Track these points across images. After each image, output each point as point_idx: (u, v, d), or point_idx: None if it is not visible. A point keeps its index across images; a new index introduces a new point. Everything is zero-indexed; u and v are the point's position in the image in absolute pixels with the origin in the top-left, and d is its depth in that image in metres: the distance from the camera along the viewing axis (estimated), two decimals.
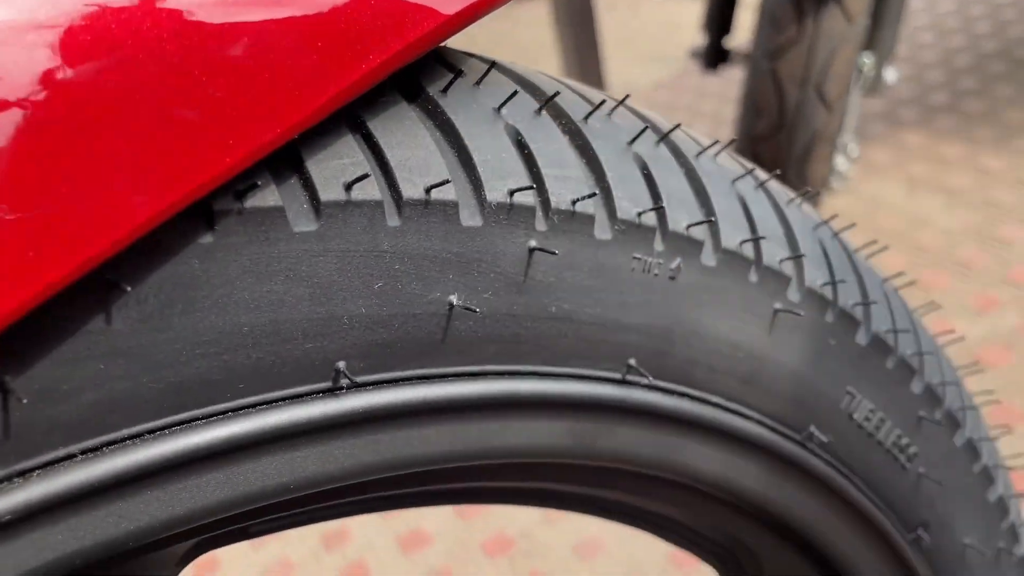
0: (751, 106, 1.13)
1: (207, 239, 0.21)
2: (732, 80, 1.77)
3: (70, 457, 0.20)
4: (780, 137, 1.10)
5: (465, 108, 0.25)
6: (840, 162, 1.27)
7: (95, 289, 0.20)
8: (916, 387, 0.34)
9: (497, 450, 0.27)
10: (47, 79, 0.18)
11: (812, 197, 1.15)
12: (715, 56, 1.34)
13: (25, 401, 0.19)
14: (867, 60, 1.17)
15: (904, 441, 0.33)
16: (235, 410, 0.22)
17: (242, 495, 0.23)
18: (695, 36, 1.40)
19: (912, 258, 1.35)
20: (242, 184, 0.21)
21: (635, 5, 2.99)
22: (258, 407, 0.23)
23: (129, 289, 0.20)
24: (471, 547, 1.01)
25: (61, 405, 0.20)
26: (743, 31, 1.34)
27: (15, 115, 0.17)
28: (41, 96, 0.18)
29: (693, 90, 2.11)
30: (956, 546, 0.36)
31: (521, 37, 2.82)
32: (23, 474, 0.20)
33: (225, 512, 0.23)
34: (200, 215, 0.21)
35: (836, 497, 0.32)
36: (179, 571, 0.28)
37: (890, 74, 1.27)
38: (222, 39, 0.20)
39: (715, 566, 0.41)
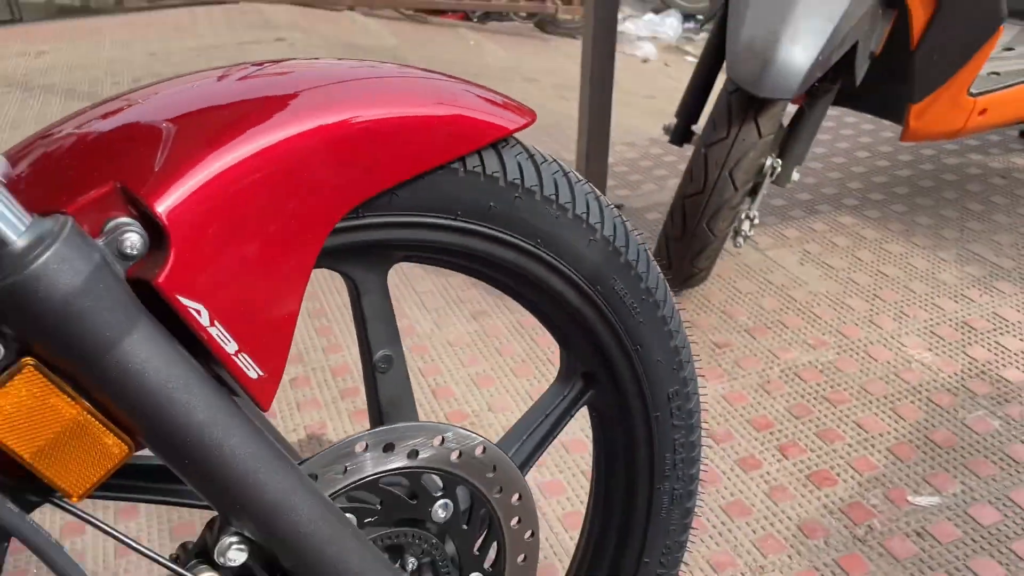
0: (689, 174, 1.68)
1: None
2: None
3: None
4: (700, 198, 1.65)
5: None
6: (746, 226, 1.82)
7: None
8: (645, 283, 0.85)
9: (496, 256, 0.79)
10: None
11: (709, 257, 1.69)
12: (682, 136, 1.89)
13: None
14: (772, 161, 1.71)
15: (633, 303, 0.84)
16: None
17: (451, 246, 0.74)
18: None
19: (783, 304, 1.90)
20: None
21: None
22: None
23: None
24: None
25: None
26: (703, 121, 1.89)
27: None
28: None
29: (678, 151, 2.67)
30: (651, 359, 0.88)
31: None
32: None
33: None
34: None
35: (609, 330, 0.83)
36: (385, 276, 0.79)
37: (795, 174, 1.82)
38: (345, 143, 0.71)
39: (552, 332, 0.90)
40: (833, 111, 2.95)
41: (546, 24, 4.78)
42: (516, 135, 0.71)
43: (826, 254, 2.11)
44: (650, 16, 4.54)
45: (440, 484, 0.74)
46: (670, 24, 4.46)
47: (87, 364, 0.50)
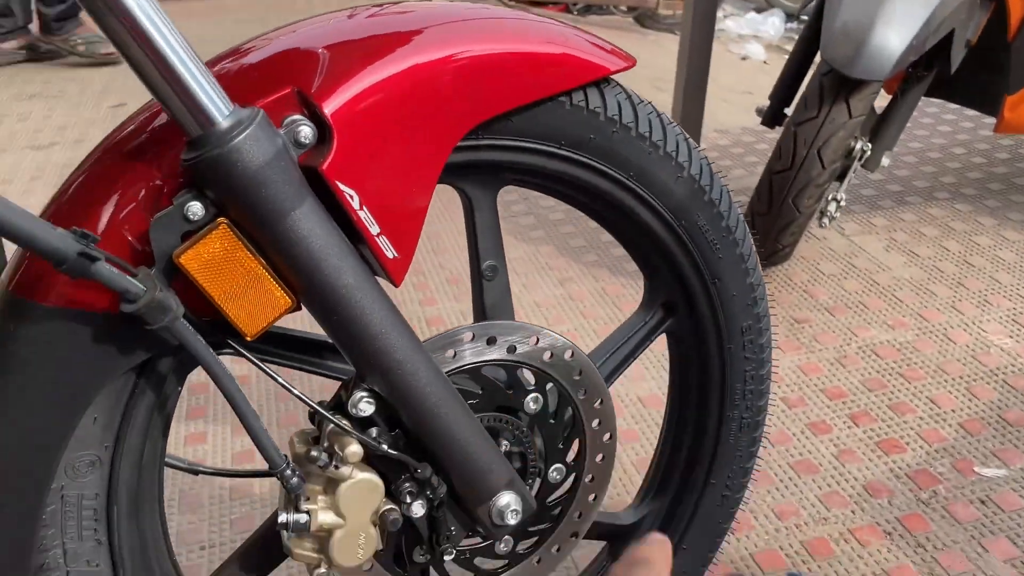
0: (778, 151, 1.75)
1: None
2: None
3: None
4: (788, 175, 1.71)
5: None
6: (832, 207, 1.87)
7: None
8: (726, 221, 0.93)
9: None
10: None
11: (795, 231, 1.75)
12: (773, 118, 1.95)
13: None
14: (862, 144, 1.76)
15: (713, 238, 0.93)
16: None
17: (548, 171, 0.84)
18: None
19: (865, 286, 1.95)
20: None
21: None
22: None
23: None
24: None
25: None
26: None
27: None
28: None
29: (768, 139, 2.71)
30: (728, 293, 0.96)
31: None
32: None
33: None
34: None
35: (691, 262, 0.92)
36: (495, 196, 0.90)
37: (885, 159, 1.86)
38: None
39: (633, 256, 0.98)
40: (931, 108, 2.94)
41: (646, 19, 4.83)
42: (616, 77, 0.82)
43: (913, 243, 2.13)
44: (752, 15, 4.54)
45: (532, 380, 0.85)
46: (772, 23, 4.46)
47: (266, 227, 0.62)
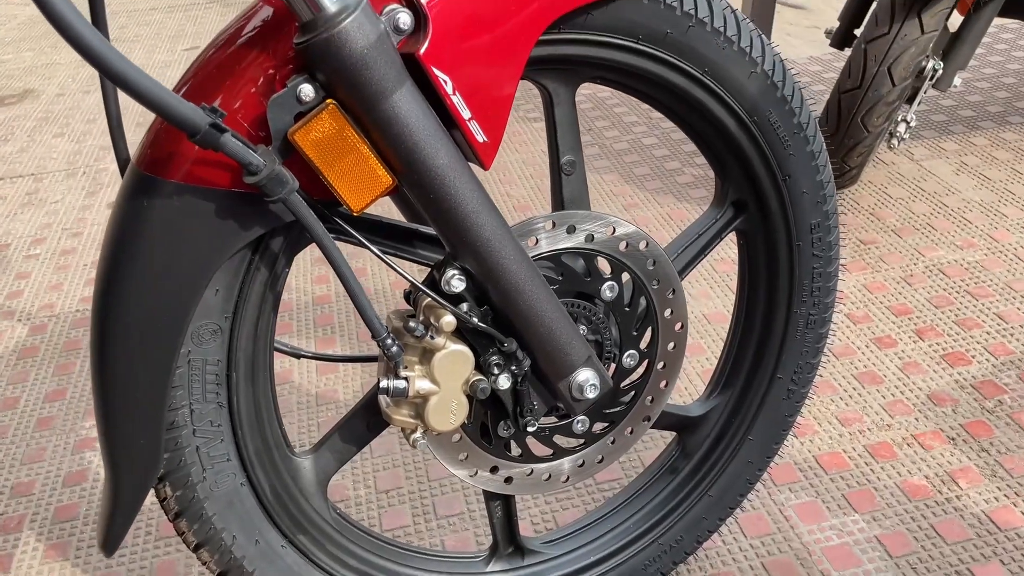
0: (847, 70, 1.74)
1: None
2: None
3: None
4: (857, 94, 1.70)
5: None
6: (901, 128, 1.86)
7: None
8: (798, 118, 0.96)
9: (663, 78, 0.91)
10: None
11: (869, 145, 1.75)
12: (843, 39, 1.94)
13: None
14: (933, 62, 1.74)
15: (785, 135, 0.95)
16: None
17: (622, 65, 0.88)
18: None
19: (933, 208, 1.94)
20: None
21: None
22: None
23: None
24: None
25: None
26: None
27: None
28: None
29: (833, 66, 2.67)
30: (798, 190, 0.99)
31: None
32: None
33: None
34: None
35: (762, 159, 0.95)
36: (574, 92, 0.94)
37: (957, 79, 1.84)
38: None
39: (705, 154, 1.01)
40: (1007, 34, 2.85)
41: None
42: None
43: (984, 166, 2.10)
44: None
45: (609, 269, 0.90)
46: None
47: (369, 107, 0.68)
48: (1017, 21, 2.52)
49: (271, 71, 0.69)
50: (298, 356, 0.96)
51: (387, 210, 1.09)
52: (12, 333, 1.76)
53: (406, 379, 0.79)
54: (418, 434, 0.83)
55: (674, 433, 1.12)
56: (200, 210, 0.71)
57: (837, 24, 1.94)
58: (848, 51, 1.90)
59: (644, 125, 2.45)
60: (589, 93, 2.66)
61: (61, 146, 2.60)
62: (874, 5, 1.74)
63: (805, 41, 3.04)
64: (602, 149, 2.34)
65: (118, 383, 0.75)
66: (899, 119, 1.86)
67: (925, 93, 1.84)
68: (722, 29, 0.86)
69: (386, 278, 1.76)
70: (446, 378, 0.80)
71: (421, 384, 0.79)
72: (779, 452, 1.11)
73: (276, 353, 0.95)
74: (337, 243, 0.77)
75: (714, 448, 1.10)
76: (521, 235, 0.84)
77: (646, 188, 2.14)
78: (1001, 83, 2.56)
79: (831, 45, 1.95)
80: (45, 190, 2.35)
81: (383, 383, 0.79)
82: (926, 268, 1.75)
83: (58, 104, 2.90)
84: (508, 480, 0.93)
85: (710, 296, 1.71)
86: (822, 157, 0.98)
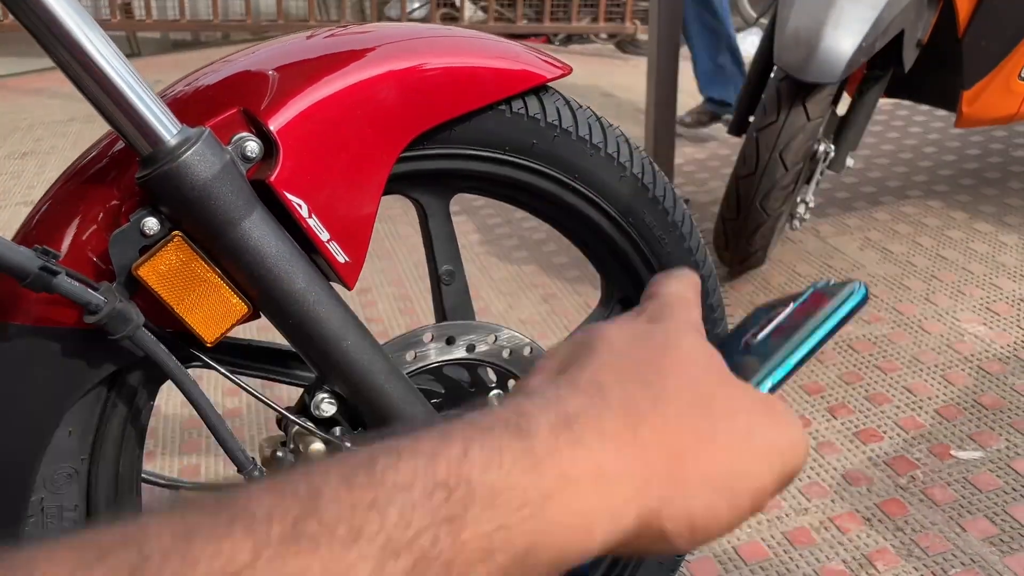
0: (742, 157, 1.79)
1: None
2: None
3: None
4: (752, 180, 1.76)
5: None
6: (801, 209, 1.92)
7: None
8: (672, 216, 0.98)
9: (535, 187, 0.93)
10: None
11: (778, 222, 1.79)
12: (739, 126, 2.00)
13: None
14: (824, 146, 1.81)
15: (661, 234, 0.97)
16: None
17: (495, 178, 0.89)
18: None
19: None
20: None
21: None
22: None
23: None
24: None
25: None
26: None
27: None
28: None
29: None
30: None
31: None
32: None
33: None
34: None
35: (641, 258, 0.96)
36: (447, 204, 0.94)
37: (849, 160, 1.91)
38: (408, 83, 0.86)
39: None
40: (902, 111, 2.99)
41: (625, 45, 4.93)
42: (554, 85, 0.86)
43: (887, 240, 2.17)
44: None
45: (493, 378, 0.89)
46: (751, 42, 4.54)
47: (217, 236, 0.66)
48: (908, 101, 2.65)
49: (115, 204, 0.68)
50: (176, 487, 0.92)
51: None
52: None
53: None
54: None
55: None
56: (46, 351, 0.68)
57: (733, 114, 2.02)
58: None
59: None
60: None
61: None
62: (763, 95, 1.81)
63: (711, 128, 3.15)
64: (521, 240, 2.36)
65: None
66: (799, 200, 1.92)
67: (821, 175, 1.91)
68: (587, 136, 0.88)
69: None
70: None
71: None
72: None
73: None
74: (203, 370, 0.75)
75: (618, 559, 1.07)
76: (399, 349, 0.83)
77: (564, 277, 2.15)
78: (899, 159, 2.68)
79: (729, 132, 2.02)
80: None
81: None
82: (835, 344, 1.77)
83: None
84: None
85: None
86: (700, 252, 0.99)
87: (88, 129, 3.65)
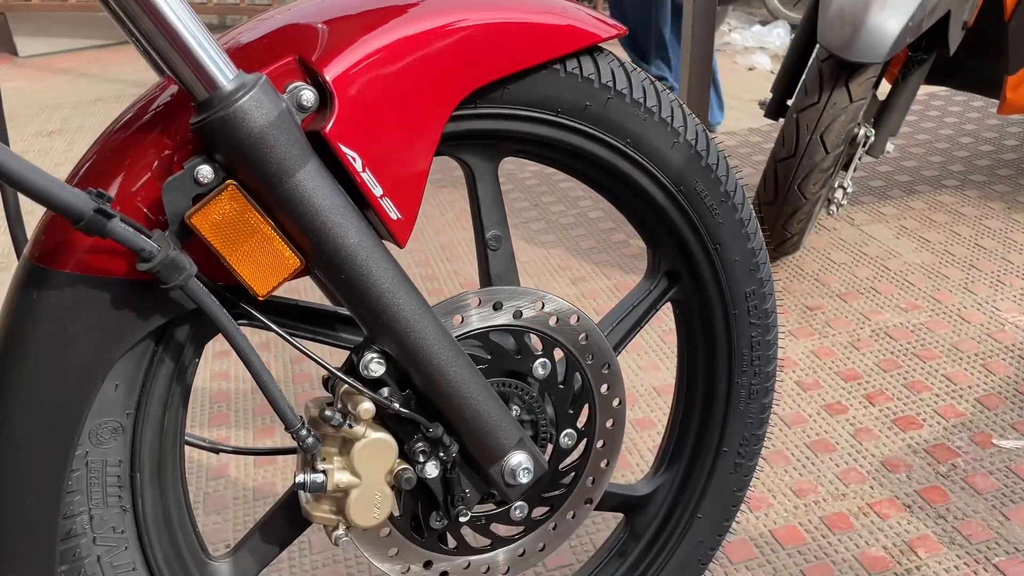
0: (781, 139, 1.76)
1: None
2: None
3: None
4: (792, 162, 1.73)
5: None
6: (839, 195, 1.88)
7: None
8: (724, 186, 0.95)
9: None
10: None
11: (810, 209, 1.76)
12: (777, 110, 1.97)
13: None
14: (864, 129, 1.78)
15: (712, 204, 0.94)
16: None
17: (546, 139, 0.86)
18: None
19: (876, 272, 1.95)
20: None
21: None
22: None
23: None
24: None
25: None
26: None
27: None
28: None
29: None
30: (730, 258, 0.97)
31: None
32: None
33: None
34: None
35: (691, 229, 0.94)
36: (495, 167, 0.92)
37: (889, 145, 1.88)
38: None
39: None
40: (937, 100, 2.95)
41: None
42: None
43: (923, 229, 2.14)
44: (757, 27, 4.59)
45: (540, 346, 0.87)
46: (777, 34, 4.49)
47: (272, 187, 0.65)
48: (945, 88, 2.61)
49: (168, 152, 0.66)
50: (216, 451, 0.91)
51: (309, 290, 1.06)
52: None
53: (324, 472, 0.74)
54: (340, 530, 0.77)
55: (621, 515, 1.07)
56: (95, 301, 0.67)
57: (770, 95, 1.99)
58: (783, 121, 1.94)
59: (589, 200, 2.46)
60: (535, 169, 2.67)
61: None
62: (804, 75, 1.78)
63: (747, 113, 3.11)
64: (548, 224, 2.34)
65: (5, 488, 0.69)
66: (836, 186, 1.89)
67: (860, 160, 1.87)
68: (642, 100, 0.86)
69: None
70: (367, 469, 0.75)
71: (340, 477, 0.75)
72: (732, 528, 1.07)
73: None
74: (250, 329, 0.73)
75: (663, 528, 1.05)
76: (445, 313, 0.81)
77: (593, 261, 2.13)
78: (935, 148, 2.63)
79: (765, 116, 1.98)
80: None
81: (299, 478, 0.74)
82: (872, 332, 1.74)
83: None
84: (444, 575, 0.87)
85: (659, 368, 1.69)
86: (752, 224, 0.96)
87: (116, 108, 3.65)
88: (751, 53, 4.25)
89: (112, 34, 4.75)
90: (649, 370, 1.68)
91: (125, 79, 4.03)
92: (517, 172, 2.66)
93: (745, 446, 1.05)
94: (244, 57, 0.68)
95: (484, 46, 0.75)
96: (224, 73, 0.63)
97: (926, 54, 1.82)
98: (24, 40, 4.52)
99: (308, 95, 0.67)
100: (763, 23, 4.66)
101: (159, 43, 0.61)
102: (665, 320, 1.79)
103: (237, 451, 0.93)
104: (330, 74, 0.67)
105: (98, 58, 4.38)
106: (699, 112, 2.35)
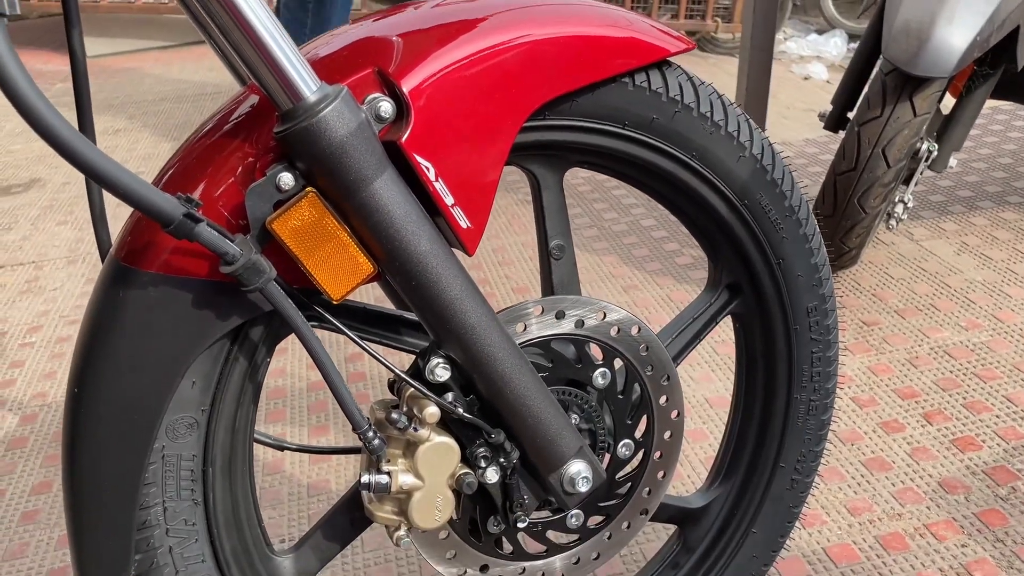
0: (841, 152, 1.75)
1: None
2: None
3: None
4: (852, 175, 1.71)
5: None
6: (899, 209, 1.86)
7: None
8: (788, 200, 0.94)
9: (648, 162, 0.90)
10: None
11: (866, 226, 1.74)
12: (837, 122, 1.95)
13: None
14: (927, 144, 1.75)
15: (776, 218, 0.94)
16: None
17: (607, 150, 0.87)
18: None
19: (936, 289, 1.92)
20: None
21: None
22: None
23: None
24: None
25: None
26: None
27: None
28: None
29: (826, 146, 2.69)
30: (793, 273, 0.97)
31: None
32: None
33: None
34: None
35: (754, 243, 0.94)
36: (561, 177, 0.93)
37: (952, 160, 1.84)
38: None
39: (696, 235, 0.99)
40: (1001, 115, 2.88)
41: (705, 43, 4.86)
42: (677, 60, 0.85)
43: (985, 246, 2.09)
44: (814, 36, 4.53)
45: (601, 356, 0.88)
46: (834, 43, 4.44)
47: (350, 195, 0.67)
48: (1010, 103, 2.55)
49: (251, 159, 0.68)
50: (281, 448, 0.93)
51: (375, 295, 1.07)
52: (2, 423, 1.73)
53: (388, 473, 0.76)
54: (402, 531, 0.79)
55: (675, 526, 1.07)
56: (177, 300, 0.69)
57: (831, 107, 1.97)
58: (842, 134, 1.92)
59: (643, 207, 2.46)
60: (587, 176, 2.68)
61: (64, 234, 2.62)
62: (866, 88, 1.76)
63: (802, 124, 3.08)
64: (601, 231, 2.34)
65: (87, 479, 0.72)
66: (896, 200, 1.86)
67: (921, 174, 1.84)
68: (708, 114, 0.86)
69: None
70: (430, 472, 0.77)
71: (404, 479, 0.76)
72: (786, 545, 1.06)
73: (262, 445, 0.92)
74: (320, 331, 0.75)
75: (717, 542, 1.05)
76: (509, 321, 0.83)
77: (645, 270, 2.13)
78: (997, 163, 2.58)
79: (825, 128, 1.97)
80: (45, 278, 2.35)
81: (364, 478, 0.76)
82: (931, 350, 1.71)
83: (63, 193, 2.93)
84: None
85: (712, 379, 1.68)
86: (816, 239, 0.96)
87: (178, 108, 3.75)
88: (807, 62, 4.20)
89: (174, 36, 4.88)
90: (702, 381, 1.67)
91: (187, 80, 4.13)
92: (569, 178, 2.67)
93: (802, 462, 1.04)
94: (324, 68, 0.70)
95: (557, 60, 0.76)
96: (308, 85, 0.65)
97: (992, 69, 1.79)
98: (90, 40, 4.66)
99: (386, 106, 0.69)
100: (820, 32, 4.60)
101: (247, 54, 0.64)
102: (718, 332, 1.79)
103: (301, 449, 0.96)
104: (407, 86, 0.69)
105: (161, 59, 4.49)
106: (756, 121, 2.33)
